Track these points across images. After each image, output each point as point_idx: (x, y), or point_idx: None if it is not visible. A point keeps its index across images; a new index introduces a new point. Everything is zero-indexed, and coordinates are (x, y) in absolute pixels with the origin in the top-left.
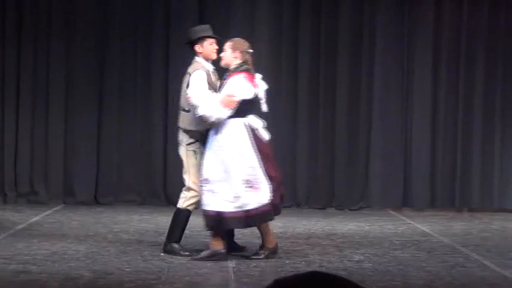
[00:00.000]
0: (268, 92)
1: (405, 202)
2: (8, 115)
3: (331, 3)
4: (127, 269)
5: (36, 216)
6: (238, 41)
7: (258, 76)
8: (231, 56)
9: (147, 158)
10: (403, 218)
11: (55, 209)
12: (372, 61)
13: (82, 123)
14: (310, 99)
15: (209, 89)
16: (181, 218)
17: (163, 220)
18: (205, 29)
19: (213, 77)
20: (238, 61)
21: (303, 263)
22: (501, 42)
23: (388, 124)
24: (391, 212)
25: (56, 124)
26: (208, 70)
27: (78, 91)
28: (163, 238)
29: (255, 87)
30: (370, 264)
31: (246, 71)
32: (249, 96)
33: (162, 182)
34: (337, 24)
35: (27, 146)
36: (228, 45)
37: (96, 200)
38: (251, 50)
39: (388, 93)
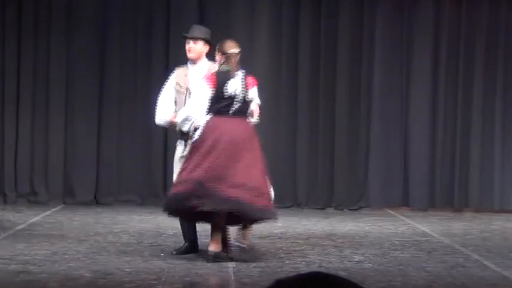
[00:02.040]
0: (269, 92)
1: (405, 202)
2: (8, 115)
3: (331, 3)
4: (127, 269)
5: (36, 217)
6: (222, 42)
7: (238, 75)
8: (217, 57)
9: (147, 158)
10: (403, 218)
11: (55, 209)
12: (372, 62)
13: (82, 123)
14: (310, 100)
15: (174, 87)
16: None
17: (163, 220)
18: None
19: (189, 75)
20: (220, 62)
21: (303, 263)
22: (501, 43)
23: (388, 124)
24: (391, 212)
25: (56, 124)
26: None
27: (78, 91)
28: (164, 238)
29: (214, 86)
30: (370, 265)
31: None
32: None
33: (162, 182)
34: (337, 25)
35: (27, 146)
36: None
37: (96, 200)
38: (233, 50)
39: (387, 94)
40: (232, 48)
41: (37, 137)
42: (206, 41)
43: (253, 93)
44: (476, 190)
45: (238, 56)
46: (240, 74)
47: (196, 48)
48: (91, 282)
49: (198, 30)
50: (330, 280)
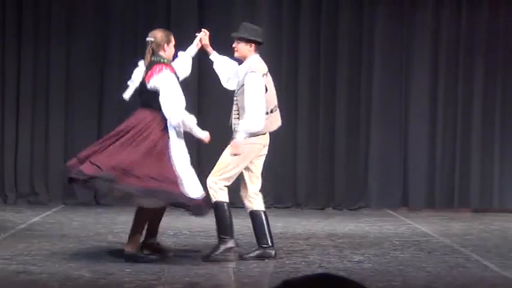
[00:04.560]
0: None
1: (404, 202)
2: (8, 115)
3: (331, 5)
4: (127, 270)
5: (36, 217)
6: None
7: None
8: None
9: None
10: (402, 218)
11: (55, 209)
12: (371, 64)
13: (82, 123)
14: (310, 100)
15: None
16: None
17: (163, 220)
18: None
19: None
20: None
21: (303, 263)
22: (500, 45)
23: (388, 124)
24: (390, 212)
25: (56, 125)
26: None
27: (78, 91)
28: (164, 238)
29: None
30: (370, 265)
31: None
32: None
33: None
34: (337, 26)
35: (27, 147)
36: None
37: (96, 201)
38: (148, 39)
39: (387, 94)
40: (149, 36)
41: (37, 137)
42: (246, 40)
43: (155, 83)
44: (476, 190)
45: (150, 45)
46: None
47: (237, 48)
48: (91, 282)
49: (242, 29)
50: (337, 282)
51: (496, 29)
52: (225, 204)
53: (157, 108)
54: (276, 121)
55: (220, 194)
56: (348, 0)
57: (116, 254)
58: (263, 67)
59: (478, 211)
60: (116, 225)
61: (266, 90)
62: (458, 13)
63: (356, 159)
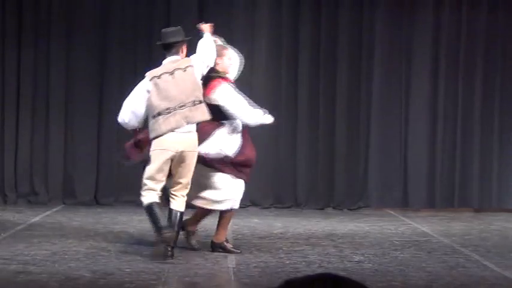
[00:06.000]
0: (268, 93)
1: (405, 202)
2: (8, 115)
3: (331, 8)
4: (127, 270)
5: (36, 217)
6: None
7: None
8: None
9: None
10: (403, 218)
11: (55, 209)
12: (372, 65)
13: (82, 123)
14: (310, 101)
15: None
16: None
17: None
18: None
19: None
20: None
21: (303, 263)
22: (500, 46)
23: (388, 124)
24: (391, 212)
25: (56, 124)
26: None
27: (78, 91)
28: None
29: None
30: (370, 265)
31: None
32: None
33: None
34: (337, 26)
35: (27, 147)
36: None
37: (96, 201)
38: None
39: (387, 95)
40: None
41: (37, 137)
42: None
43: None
44: (476, 190)
45: None
46: None
47: None
48: (91, 282)
49: None
50: (339, 282)
51: (495, 30)
52: (152, 204)
53: (220, 118)
54: (165, 124)
55: (144, 199)
56: (348, 1)
57: (116, 254)
58: (158, 69)
59: (478, 211)
60: (116, 225)
61: (157, 93)
62: (458, 13)
63: (356, 159)
